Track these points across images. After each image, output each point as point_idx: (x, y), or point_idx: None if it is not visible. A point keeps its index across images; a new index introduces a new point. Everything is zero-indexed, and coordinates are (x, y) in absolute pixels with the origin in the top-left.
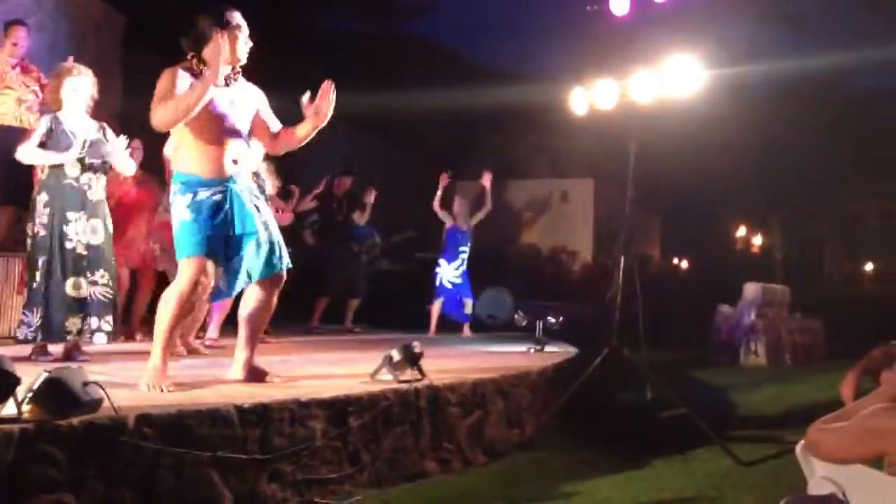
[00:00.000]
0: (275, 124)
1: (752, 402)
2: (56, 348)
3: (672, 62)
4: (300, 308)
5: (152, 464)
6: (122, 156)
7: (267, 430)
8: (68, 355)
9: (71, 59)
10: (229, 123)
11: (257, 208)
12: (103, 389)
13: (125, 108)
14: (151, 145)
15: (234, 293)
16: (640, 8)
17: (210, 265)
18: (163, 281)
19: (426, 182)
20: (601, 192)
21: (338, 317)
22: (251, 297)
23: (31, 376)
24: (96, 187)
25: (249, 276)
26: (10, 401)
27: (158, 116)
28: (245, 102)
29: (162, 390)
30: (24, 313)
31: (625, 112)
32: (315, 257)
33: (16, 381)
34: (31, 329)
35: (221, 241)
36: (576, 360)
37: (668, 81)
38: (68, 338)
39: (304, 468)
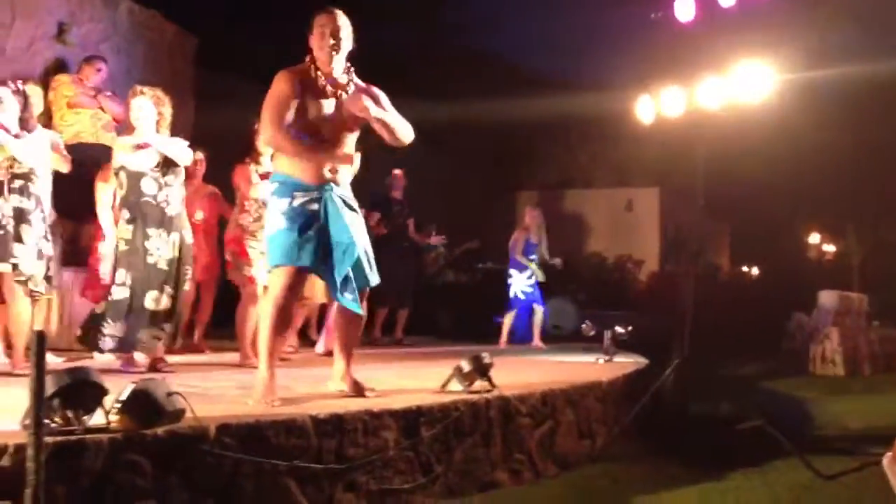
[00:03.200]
0: None
1: (832, 414)
2: (142, 359)
3: (741, 67)
4: None
5: (232, 472)
6: (181, 151)
7: (341, 440)
8: (153, 367)
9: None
10: (329, 132)
11: (352, 217)
12: (185, 400)
13: (198, 126)
14: (218, 161)
15: (343, 301)
16: (706, 14)
17: (301, 274)
18: (230, 292)
19: (488, 193)
20: (667, 200)
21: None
22: (339, 310)
23: (117, 387)
24: (174, 202)
25: (352, 286)
26: (99, 411)
27: (269, 139)
28: (349, 112)
29: (271, 405)
30: (104, 324)
31: (692, 119)
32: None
33: (104, 392)
34: (115, 340)
35: (316, 250)
36: (646, 370)
37: (737, 87)
38: (142, 348)
39: (378, 478)
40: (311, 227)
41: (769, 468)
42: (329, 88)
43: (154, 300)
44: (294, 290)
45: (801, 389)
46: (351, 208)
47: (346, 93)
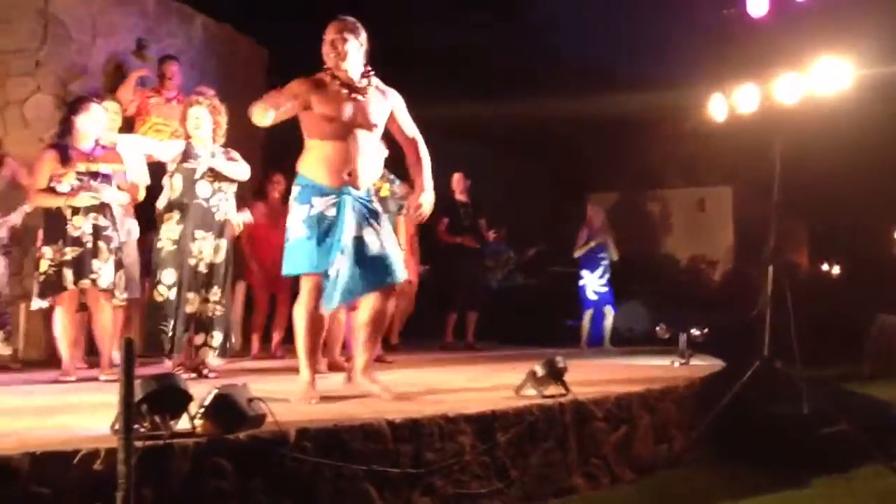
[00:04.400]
0: (408, 131)
1: None
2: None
3: (818, 62)
4: (426, 322)
5: (312, 476)
6: (242, 172)
7: (418, 444)
8: (198, 372)
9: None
10: (345, 134)
11: (370, 220)
12: (266, 405)
13: (271, 137)
14: (291, 171)
15: (335, 305)
16: (779, 8)
17: (326, 278)
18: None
19: (558, 195)
20: (740, 199)
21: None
22: (365, 306)
23: (200, 394)
24: (224, 208)
25: (352, 290)
26: (185, 416)
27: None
28: (371, 113)
29: (310, 402)
30: (163, 326)
31: (767, 115)
32: (438, 269)
33: (189, 397)
34: (175, 341)
35: (332, 253)
36: (723, 373)
37: (814, 82)
38: (176, 353)
39: (455, 482)
40: (329, 232)
41: (854, 475)
42: (343, 92)
43: (190, 303)
44: (322, 293)
45: (889, 392)
46: (371, 210)
47: (363, 96)
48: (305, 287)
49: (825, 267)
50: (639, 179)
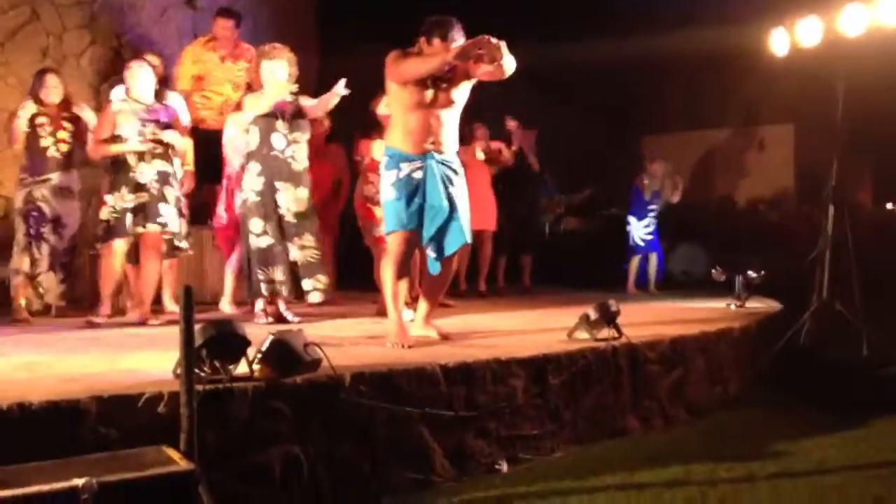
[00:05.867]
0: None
1: None
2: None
3: None
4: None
5: (367, 419)
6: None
7: (471, 388)
8: (279, 317)
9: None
10: (434, 111)
11: (454, 181)
12: (321, 350)
13: (321, 88)
14: (341, 120)
15: (440, 261)
16: None
17: (413, 234)
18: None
19: (613, 139)
20: (802, 137)
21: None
22: (425, 260)
23: (258, 339)
24: (300, 157)
25: (436, 246)
26: (243, 361)
27: (400, 68)
28: (451, 94)
29: (403, 347)
30: (258, 272)
31: (831, 49)
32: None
33: (247, 343)
34: (268, 287)
35: (419, 213)
36: (780, 316)
37: (880, 12)
38: (280, 296)
39: (508, 425)
40: (416, 194)
41: None
42: (429, 80)
43: (291, 252)
44: (409, 248)
45: None
46: (455, 172)
47: (446, 82)
48: (393, 243)
49: (889, 206)
50: (696, 119)
